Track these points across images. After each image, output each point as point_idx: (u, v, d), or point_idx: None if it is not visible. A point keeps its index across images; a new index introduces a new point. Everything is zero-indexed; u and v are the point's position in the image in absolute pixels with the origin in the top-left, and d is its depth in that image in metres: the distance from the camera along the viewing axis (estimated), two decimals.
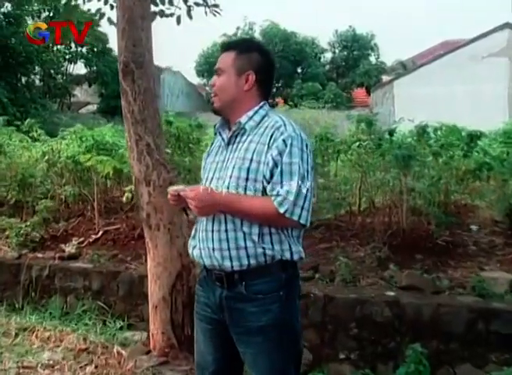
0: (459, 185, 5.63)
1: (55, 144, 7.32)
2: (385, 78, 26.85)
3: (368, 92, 26.84)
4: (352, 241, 5.17)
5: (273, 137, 2.09)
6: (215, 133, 2.33)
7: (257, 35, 29.64)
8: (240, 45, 2.27)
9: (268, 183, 2.08)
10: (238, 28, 30.38)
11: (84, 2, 4.96)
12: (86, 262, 5.24)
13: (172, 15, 4.68)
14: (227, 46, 2.28)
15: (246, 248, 2.09)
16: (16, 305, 5.00)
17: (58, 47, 20.23)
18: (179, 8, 4.69)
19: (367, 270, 4.57)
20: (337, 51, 30.72)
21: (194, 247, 2.25)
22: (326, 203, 5.62)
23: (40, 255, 5.48)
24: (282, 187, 2.04)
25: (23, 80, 19.39)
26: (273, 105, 23.57)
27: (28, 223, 5.85)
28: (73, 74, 22.93)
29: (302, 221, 2.07)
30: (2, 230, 6.02)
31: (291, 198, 2.03)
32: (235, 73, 2.19)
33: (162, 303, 3.70)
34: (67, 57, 21.73)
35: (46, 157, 7.23)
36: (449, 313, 3.87)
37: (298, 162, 2.07)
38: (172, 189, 2.19)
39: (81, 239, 5.80)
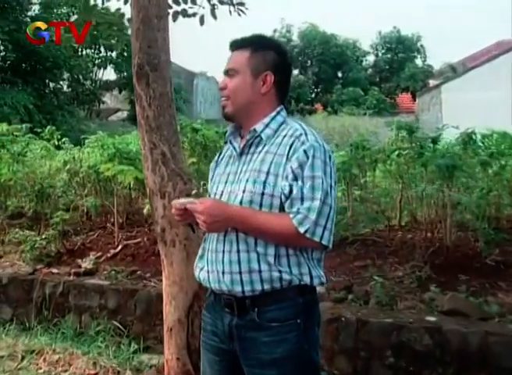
0: None
1: (76, 153, 7.37)
2: (432, 82, 26.58)
3: (414, 97, 26.53)
4: (390, 258, 4.97)
5: (293, 147, 1.96)
6: (226, 142, 2.20)
7: (295, 38, 29.81)
8: (255, 43, 2.12)
9: (287, 198, 1.94)
10: (275, 31, 30.71)
11: (103, 2, 4.94)
12: (102, 279, 5.17)
13: (194, 14, 4.61)
14: (240, 43, 2.13)
15: (260, 271, 1.96)
16: (27, 324, 4.95)
17: (87, 51, 20.58)
18: (203, 8, 4.63)
19: (405, 292, 4.37)
20: (380, 53, 30.58)
21: (202, 269, 2.12)
22: (362, 216, 5.44)
23: (55, 270, 5.44)
24: (302, 204, 1.91)
25: (51, 85, 19.83)
26: (311, 112, 23.41)
27: (43, 236, 5.84)
28: (103, 80, 23.35)
29: (324, 242, 1.93)
30: (18, 243, 6.03)
31: (313, 216, 1.89)
32: (250, 73, 2.06)
33: (178, 326, 3.58)
34: (96, 62, 22.13)
35: (67, 166, 7.27)
36: (499, 343, 3.62)
37: (321, 176, 1.93)
38: (177, 202, 2.05)
39: (99, 254, 5.75)
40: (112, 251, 5.75)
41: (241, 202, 1.98)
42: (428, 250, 4.82)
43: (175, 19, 4.60)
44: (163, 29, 3.55)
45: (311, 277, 2.00)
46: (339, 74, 30.11)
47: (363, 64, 30.74)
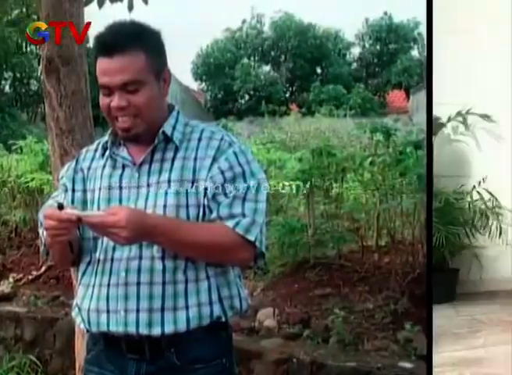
0: None
1: (5, 160, 7.49)
2: None
3: (408, 95, 26.05)
4: (359, 286, 4.76)
5: (220, 148, 1.82)
6: (104, 151, 1.93)
7: (266, 29, 29.29)
8: (142, 36, 1.81)
9: (217, 202, 1.78)
10: (244, 21, 30.08)
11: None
12: (20, 305, 5.14)
13: None
14: (126, 44, 1.76)
15: (187, 307, 1.78)
16: None
17: (31, 48, 20.34)
18: None
19: (375, 329, 4.15)
20: (367, 45, 29.98)
21: (88, 310, 1.81)
22: (327, 236, 5.23)
23: None
24: (244, 205, 1.77)
25: None
26: (284, 114, 22.39)
27: None
28: None
29: (262, 261, 1.86)
30: None
31: (260, 220, 1.78)
32: (154, 78, 1.80)
33: None
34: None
35: None
36: None
37: (262, 179, 1.86)
38: (69, 212, 1.67)
39: (20, 275, 5.70)
40: (35, 273, 5.70)
41: None
42: (406, 277, 4.63)
43: (100, 4, 4.37)
44: (77, 13, 3.41)
45: (241, 300, 1.87)
46: (318, 70, 29.51)
47: (346, 58, 30.03)
